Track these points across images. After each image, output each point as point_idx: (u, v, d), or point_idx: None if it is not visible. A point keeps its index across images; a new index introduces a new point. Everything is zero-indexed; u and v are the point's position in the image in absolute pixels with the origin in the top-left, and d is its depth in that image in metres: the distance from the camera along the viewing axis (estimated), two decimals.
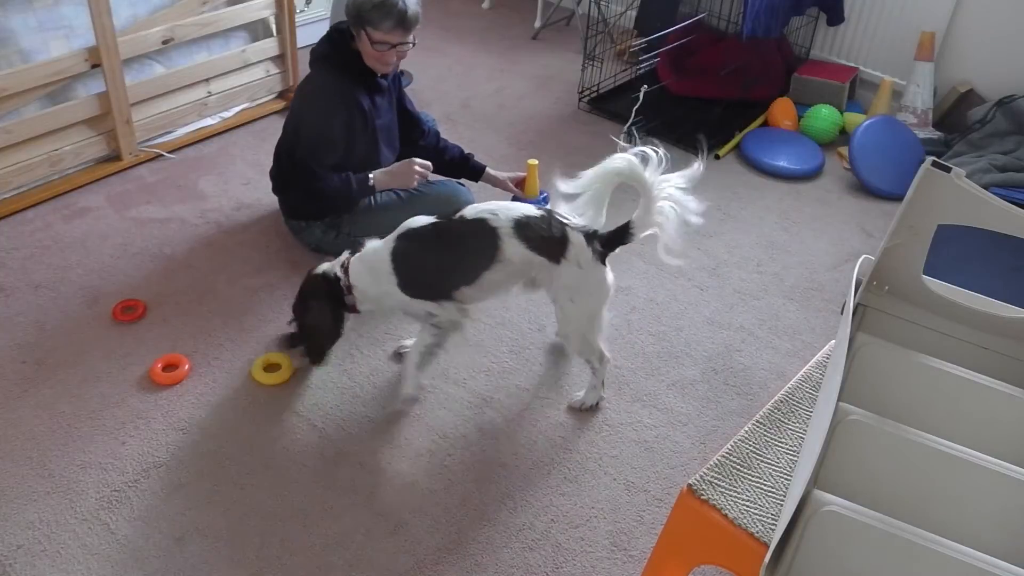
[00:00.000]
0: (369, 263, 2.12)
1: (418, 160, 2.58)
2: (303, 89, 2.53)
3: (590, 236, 2.03)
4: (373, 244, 2.14)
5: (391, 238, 2.12)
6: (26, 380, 2.17)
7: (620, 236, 2.02)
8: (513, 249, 2.01)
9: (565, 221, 2.04)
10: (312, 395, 2.19)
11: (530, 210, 2.05)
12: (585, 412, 2.20)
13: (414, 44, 2.43)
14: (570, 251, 2.01)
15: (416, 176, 2.56)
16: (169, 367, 2.22)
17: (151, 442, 2.04)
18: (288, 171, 2.55)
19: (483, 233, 2.02)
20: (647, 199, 1.97)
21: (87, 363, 2.23)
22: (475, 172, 2.85)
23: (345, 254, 2.17)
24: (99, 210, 2.82)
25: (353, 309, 2.17)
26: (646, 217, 1.98)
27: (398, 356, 2.32)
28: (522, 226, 2.01)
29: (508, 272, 2.06)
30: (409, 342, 2.29)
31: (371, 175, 2.53)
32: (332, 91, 2.43)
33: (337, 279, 2.13)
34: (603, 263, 2.04)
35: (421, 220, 2.10)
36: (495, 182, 2.86)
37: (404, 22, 2.33)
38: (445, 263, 2.08)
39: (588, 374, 2.21)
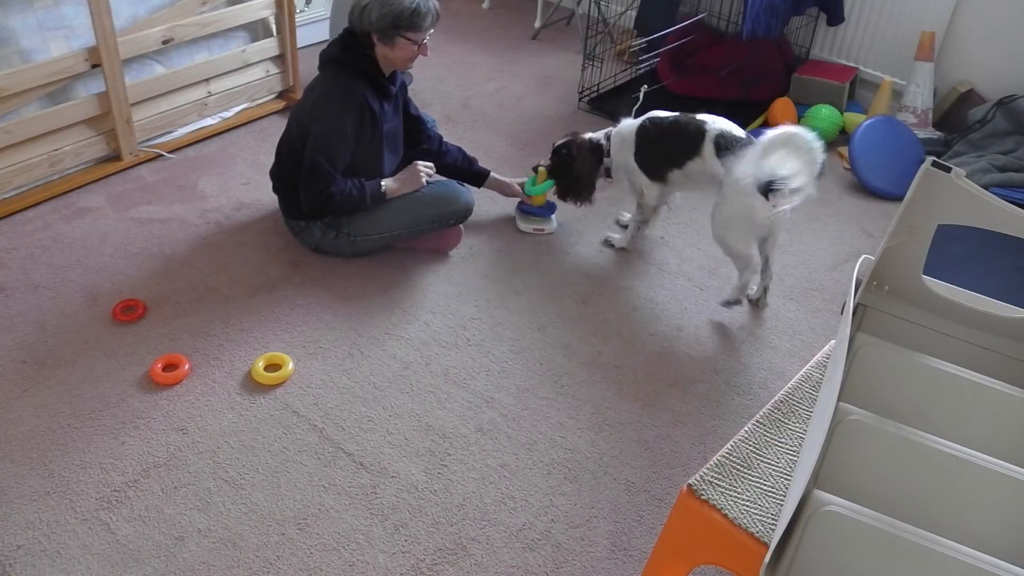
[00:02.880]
0: (622, 135, 2.68)
1: (420, 162, 2.62)
2: (314, 91, 2.51)
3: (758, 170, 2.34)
4: (628, 121, 2.70)
5: (642, 118, 2.64)
6: (26, 380, 2.17)
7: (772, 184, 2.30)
8: (708, 150, 2.47)
9: (750, 149, 2.32)
10: (312, 395, 2.19)
11: (736, 129, 2.47)
12: (718, 312, 2.55)
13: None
14: (731, 171, 2.37)
15: (423, 177, 2.61)
16: (169, 367, 2.22)
17: (151, 442, 2.04)
18: (291, 173, 2.55)
19: (698, 131, 2.49)
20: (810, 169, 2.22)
21: (87, 363, 2.23)
22: (478, 177, 2.86)
23: (609, 127, 2.75)
24: (99, 210, 2.82)
25: (608, 173, 2.78)
26: (805, 182, 2.22)
27: (607, 244, 2.86)
28: (722, 136, 2.45)
29: (701, 168, 2.50)
30: (617, 236, 2.86)
31: (383, 183, 2.55)
32: (345, 93, 2.43)
33: (600, 145, 2.74)
34: (764, 195, 2.28)
35: (664, 113, 2.60)
36: (499, 186, 2.89)
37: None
38: (668, 148, 2.57)
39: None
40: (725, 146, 2.42)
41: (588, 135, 2.77)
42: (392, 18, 2.36)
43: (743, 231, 2.44)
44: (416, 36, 2.42)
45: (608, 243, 2.84)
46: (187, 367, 2.22)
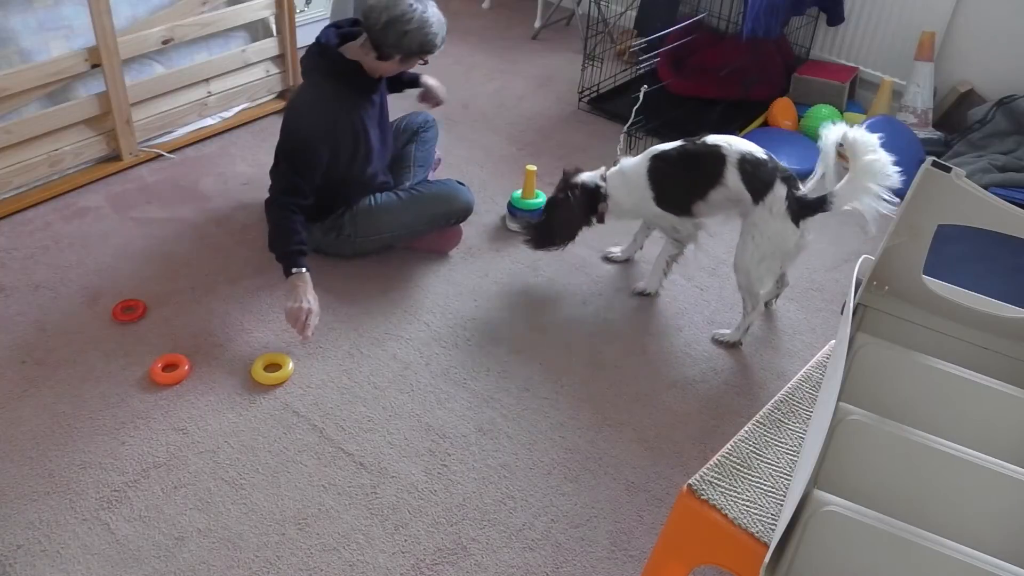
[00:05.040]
0: (627, 177, 2.46)
1: (312, 318, 2.27)
2: (294, 102, 2.49)
3: (792, 193, 2.26)
4: (629, 161, 2.48)
5: (645, 158, 2.44)
6: (26, 380, 2.17)
7: (819, 203, 2.24)
8: (732, 177, 2.30)
9: (781, 171, 2.28)
10: (312, 395, 2.19)
11: (757, 150, 2.31)
12: (723, 348, 2.46)
13: None
14: (769, 197, 2.26)
15: (302, 326, 2.25)
16: (169, 367, 2.22)
17: (151, 442, 2.04)
18: None
19: (715, 158, 2.32)
20: (854, 171, 2.15)
21: (87, 363, 2.23)
22: (412, 82, 2.86)
23: (602, 168, 2.52)
24: (99, 210, 2.82)
25: (601, 218, 2.52)
26: (851, 190, 2.17)
27: (607, 260, 2.76)
28: (745, 160, 2.29)
29: (725, 195, 2.34)
30: (616, 249, 2.76)
31: (293, 271, 2.27)
32: (324, 114, 2.39)
33: (597, 188, 2.49)
34: (794, 220, 2.26)
35: (667, 145, 2.43)
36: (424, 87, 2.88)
37: (440, 45, 2.41)
38: (687, 181, 2.39)
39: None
40: (751, 170, 2.28)
41: (582, 176, 2.51)
42: (424, 44, 2.34)
43: (774, 262, 2.32)
44: (412, 60, 2.40)
45: (638, 292, 2.63)
46: (187, 367, 2.22)
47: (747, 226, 2.33)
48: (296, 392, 2.20)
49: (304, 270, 2.28)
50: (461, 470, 2.03)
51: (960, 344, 1.48)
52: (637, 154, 2.49)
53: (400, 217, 2.60)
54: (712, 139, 2.36)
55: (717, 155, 2.32)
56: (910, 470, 1.22)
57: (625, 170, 2.48)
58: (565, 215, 2.50)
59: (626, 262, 2.76)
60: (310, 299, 2.26)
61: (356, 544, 1.84)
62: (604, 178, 2.49)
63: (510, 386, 2.27)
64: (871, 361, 1.39)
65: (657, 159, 2.42)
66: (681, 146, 2.40)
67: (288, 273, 2.27)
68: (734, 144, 2.32)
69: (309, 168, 2.37)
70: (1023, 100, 3.26)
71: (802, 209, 2.25)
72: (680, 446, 2.13)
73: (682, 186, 2.40)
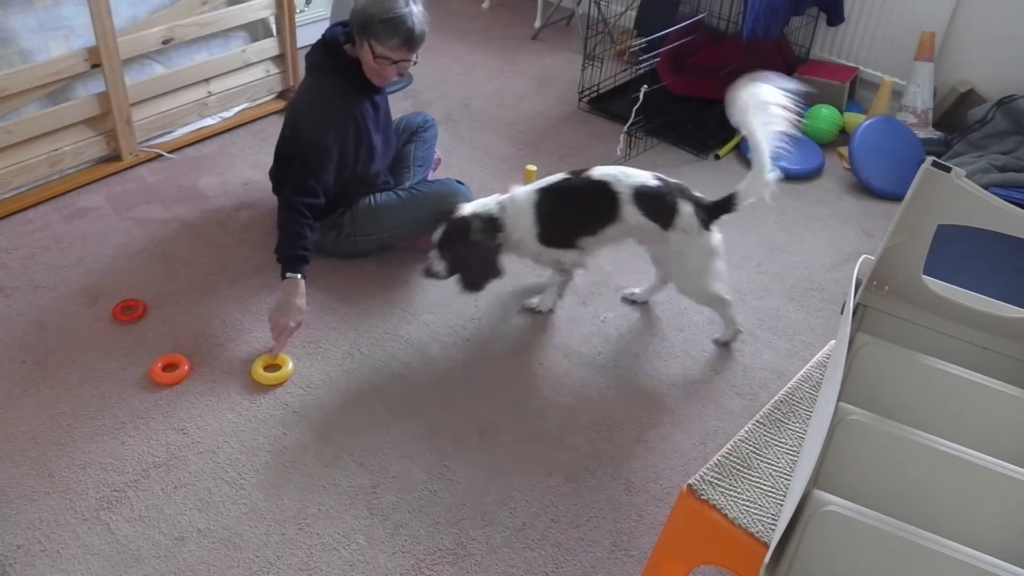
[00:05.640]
0: (518, 207, 2.30)
1: (290, 333, 2.27)
2: (299, 100, 2.50)
3: (697, 205, 2.23)
4: (520, 190, 2.33)
5: (532, 190, 2.31)
6: (26, 380, 2.17)
7: (725, 205, 2.22)
8: (630, 213, 2.24)
9: (678, 190, 2.25)
10: (312, 395, 2.19)
11: (647, 178, 2.25)
12: (722, 350, 2.45)
13: (416, 61, 2.41)
14: (678, 220, 2.22)
15: (275, 332, 2.25)
16: (169, 367, 2.22)
17: (151, 442, 2.04)
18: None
19: (606, 195, 2.24)
20: (753, 166, 2.15)
21: (87, 363, 2.23)
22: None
23: (494, 196, 2.35)
24: (99, 210, 2.82)
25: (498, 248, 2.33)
26: (751, 188, 2.17)
27: (526, 311, 2.53)
28: (640, 194, 2.23)
29: (623, 230, 2.29)
30: (535, 300, 2.54)
31: (289, 274, 2.24)
32: (330, 110, 2.39)
33: (492, 218, 2.29)
34: (708, 229, 2.24)
35: (555, 178, 2.32)
36: None
37: (410, 41, 2.32)
38: (574, 218, 2.31)
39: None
40: (649, 202, 2.22)
41: (471, 210, 2.31)
42: (363, 17, 2.29)
43: (712, 267, 2.28)
44: (379, 48, 2.31)
45: (530, 308, 2.52)
46: (187, 367, 2.22)
47: (670, 254, 2.29)
48: (296, 392, 2.20)
49: (300, 276, 2.24)
50: (461, 470, 2.03)
51: (960, 344, 1.48)
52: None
53: (400, 216, 2.60)
54: (599, 173, 2.26)
55: (608, 192, 2.23)
56: (910, 470, 1.22)
57: (517, 198, 2.31)
58: (480, 253, 2.29)
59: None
60: (297, 309, 2.22)
61: (356, 544, 1.84)
62: (501, 204, 2.31)
63: (510, 385, 2.27)
64: (871, 361, 1.39)
65: (544, 193, 2.29)
66: (565, 180, 2.30)
67: (283, 276, 2.25)
68: (623, 179, 2.24)
69: (322, 166, 2.36)
70: (1023, 100, 3.26)
71: (711, 216, 2.24)
72: (680, 446, 2.13)
73: (569, 222, 2.30)
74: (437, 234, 2.30)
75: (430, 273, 2.33)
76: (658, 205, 2.22)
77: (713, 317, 2.56)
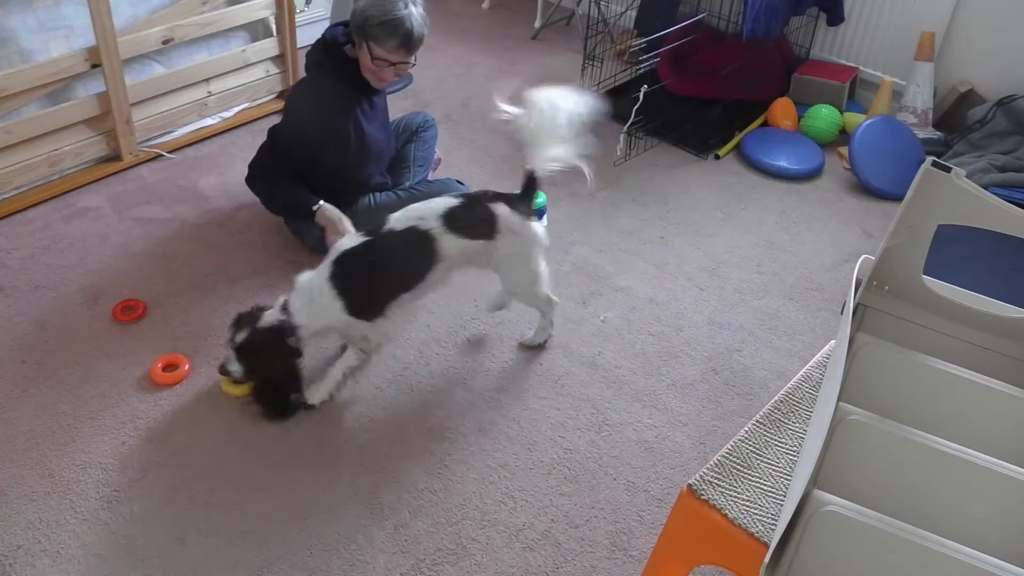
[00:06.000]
0: (311, 295, 2.05)
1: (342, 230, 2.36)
2: (298, 99, 2.50)
3: (510, 201, 2.15)
4: (306, 276, 2.08)
5: (325, 264, 2.07)
6: (26, 380, 2.17)
7: (531, 185, 2.17)
8: (450, 244, 2.09)
9: (484, 197, 2.16)
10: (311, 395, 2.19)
11: (449, 201, 2.13)
12: (535, 349, 2.39)
13: (414, 63, 2.41)
14: (500, 223, 2.12)
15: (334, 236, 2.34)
16: (169, 367, 2.22)
17: (151, 442, 2.03)
18: (294, 164, 2.52)
19: (418, 239, 2.07)
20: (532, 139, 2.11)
21: (87, 363, 2.23)
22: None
23: (280, 298, 2.09)
24: (99, 210, 2.82)
25: (299, 352, 2.07)
26: (535, 154, 2.12)
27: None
28: (452, 219, 2.08)
29: (449, 266, 2.14)
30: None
31: (316, 206, 2.37)
32: (328, 103, 2.40)
33: (283, 326, 2.03)
34: (529, 219, 2.16)
35: (350, 241, 2.09)
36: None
37: (408, 43, 2.32)
38: (385, 278, 2.09)
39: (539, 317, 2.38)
40: (464, 223, 2.08)
41: (263, 323, 2.05)
42: (362, 18, 2.30)
43: (538, 263, 2.20)
44: (377, 50, 2.31)
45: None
46: (187, 367, 2.22)
47: (500, 261, 2.17)
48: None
49: (322, 202, 2.39)
50: (461, 470, 2.03)
51: (960, 344, 1.48)
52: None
53: None
54: (399, 219, 2.09)
55: (417, 234, 2.06)
56: (910, 470, 1.22)
57: (306, 284, 2.07)
58: (276, 363, 2.06)
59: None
60: (341, 219, 2.39)
61: (356, 544, 1.84)
62: (285, 307, 2.06)
63: (510, 386, 2.27)
64: (871, 361, 1.39)
65: (341, 262, 2.06)
66: (368, 242, 2.08)
67: (311, 214, 2.38)
68: (428, 213, 2.08)
69: (298, 160, 2.40)
70: (1023, 100, 3.26)
71: (525, 204, 2.16)
72: (680, 446, 2.13)
73: (379, 285, 2.10)
74: (240, 336, 2.05)
75: (224, 371, 2.09)
76: (474, 219, 2.09)
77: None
